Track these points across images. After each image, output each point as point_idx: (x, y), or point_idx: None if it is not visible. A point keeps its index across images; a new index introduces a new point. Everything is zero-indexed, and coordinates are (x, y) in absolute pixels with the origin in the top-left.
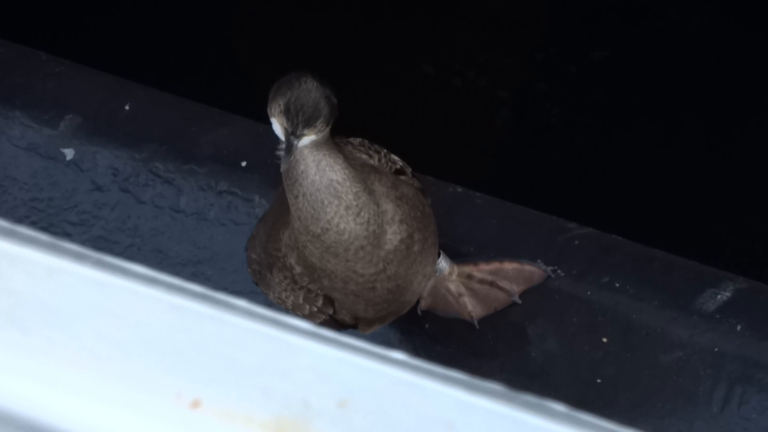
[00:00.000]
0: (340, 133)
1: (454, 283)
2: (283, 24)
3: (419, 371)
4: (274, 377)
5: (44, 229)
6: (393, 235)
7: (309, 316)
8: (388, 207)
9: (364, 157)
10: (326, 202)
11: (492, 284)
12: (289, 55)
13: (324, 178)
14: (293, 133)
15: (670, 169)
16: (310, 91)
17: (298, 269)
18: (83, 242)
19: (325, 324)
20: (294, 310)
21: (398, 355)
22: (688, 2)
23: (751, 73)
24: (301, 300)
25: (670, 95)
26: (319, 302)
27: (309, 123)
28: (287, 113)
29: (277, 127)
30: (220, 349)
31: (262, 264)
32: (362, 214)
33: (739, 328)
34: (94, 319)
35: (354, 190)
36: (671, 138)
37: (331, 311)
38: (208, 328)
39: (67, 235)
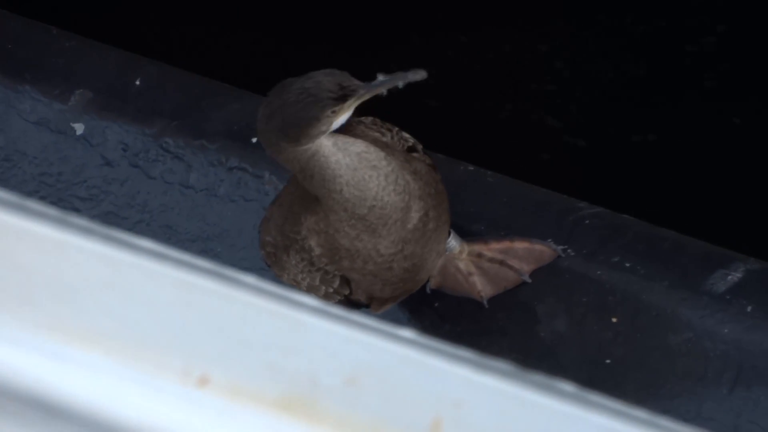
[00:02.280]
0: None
1: (464, 261)
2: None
3: (428, 349)
4: (282, 354)
5: (53, 203)
6: (415, 213)
7: (324, 297)
8: (409, 179)
9: (377, 135)
10: (367, 177)
11: (502, 263)
12: (301, 30)
13: (352, 155)
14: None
15: (682, 148)
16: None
17: (317, 251)
18: (92, 217)
19: (339, 304)
20: (309, 292)
21: (407, 333)
22: None
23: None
24: (317, 282)
25: (678, 66)
26: (336, 283)
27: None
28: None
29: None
30: (229, 326)
31: (278, 246)
32: (399, 181)
33: (749, 309)
34: (102, 294)
35: (382, 154)
36: (683, 116)
37: (347, 291)
38: (217, 304)
39: (76, 210)
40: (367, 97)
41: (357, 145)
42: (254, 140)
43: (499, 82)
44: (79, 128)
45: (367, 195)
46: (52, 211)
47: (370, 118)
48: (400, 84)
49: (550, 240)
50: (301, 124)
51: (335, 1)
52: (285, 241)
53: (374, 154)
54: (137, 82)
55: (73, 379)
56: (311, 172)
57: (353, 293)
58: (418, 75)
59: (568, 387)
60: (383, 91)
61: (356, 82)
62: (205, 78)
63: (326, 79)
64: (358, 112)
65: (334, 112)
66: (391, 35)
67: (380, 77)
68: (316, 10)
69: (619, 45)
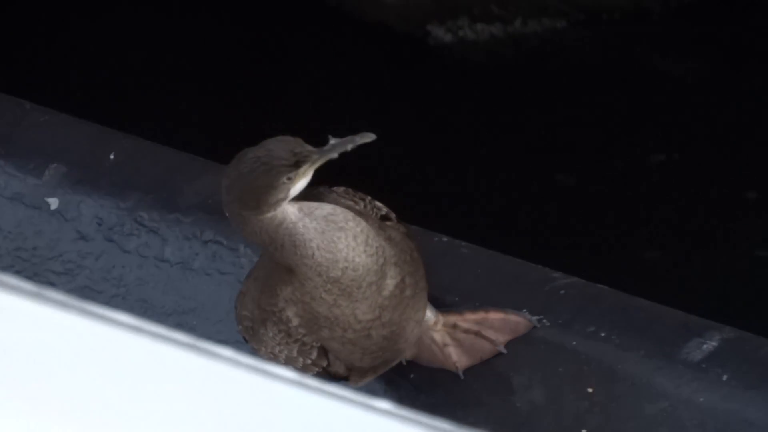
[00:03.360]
0: (324, 183)
1: (439, 333)
2: (267, 75)
3: (405, 420)
4: (260, 427)
5: (29, 278)
6: (390, 279)
7: (302, 369)
8: (383, 244)
9: (350, 203)
10: (335, 239)
11: (477, 334)
12: (274, 107)
13: (319, 219)
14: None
15: (655, 220)
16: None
17: (295, 321)
18: (68, 292)
19: (317, 376)
20: (287, 364)
21: (384, 404)
22: None
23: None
24: (294, 353)
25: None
26: (314, 354)
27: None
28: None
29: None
30: (206, 398)
31: (255, 319)
32: (370, 242)
33: (725, 378)
34: (78, 368)
35: (350, 215)
36: (656, 188)
37: (325, 363)
38: (194, 377)
39: (51, 285)
40: (320, 162)
41: (323, 208)
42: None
43: (473, 157)
44: (53, 203)
45: (338, 257)
46: (28, 285)
47: (342, 188)
48: (349, 147)
49: (525, 310)
50: (258, 193)
51: (307, 76)
52: (262, 314)
53: (341, 215)
54: (111, 156)
55: None
56: (281, 241)
57: (331, 365)
58: (367, 138)
59: None
60: (335, 155)
61: (309, 147)
62: (178, 151)
63: (278, 146)
64: (330, 182)
65: (289, 178)
66: (366, 108)
67: (331, 140)
68: (288, 82)
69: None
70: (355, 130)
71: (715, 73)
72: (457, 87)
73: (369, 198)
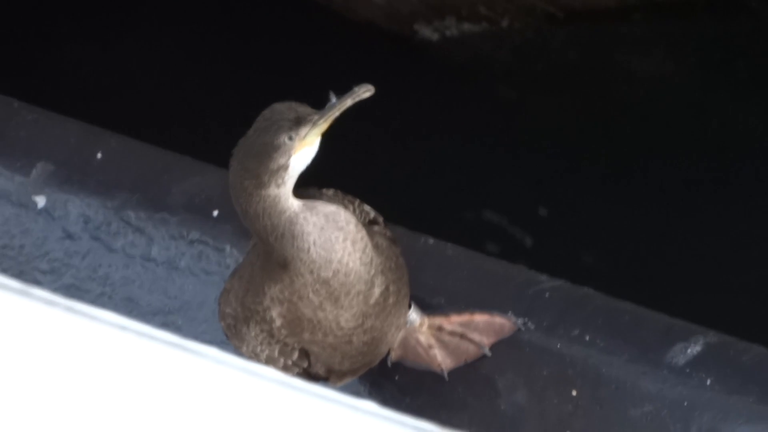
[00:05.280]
0: (314, 185)
1: (424, 334)
2: (256, 74)
3: (389, 421)
4: (244, 426)
5: (15, 276)
6: (377, 288)
7: (283, 369)
8: (373, 254)
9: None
10: (333, 238)
11: (462, 336)
12: (263, 106)
13: (320, 215)
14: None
15: (642, 222)
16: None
17: (278, 322)
18: (54, 290)
19: (297, 377)
20: (268, 364)
21: (368, 405)
22: None
23: None
24: (276, 354)
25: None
26: (295, 356)
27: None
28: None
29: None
30: (190, 397)
31: (238, 317)
32: (366, 251)
33: (708, 382)
34: (63, 366)
35: (353, 219)
36: (643, 192)
37: (305, 364)
38: (179, 375)
39: (38, 283)
40: (323, 123)
41: (327, 207)
42: (215, 213)
43: (457, 160)
44: (40, 201)
45: (332, 257)
46: (14, 283)
47: (332, 191)
48: (350, 102)
49: (510, 313)
50: (260, 155)
51: (296, 74)
52: (245, 313)
53: (343, 217)
54: (99, 155)
55: None
56: (282, 230)
57: (312, 366)
58: (366, 90)
59: None
60: (336, 113)
61: (312, 110)
62: (166, 151)
63: (283, 106)
64: (320, 183)
65: (290, 138)
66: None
67: (332, 98)
68: (277, 81)
69: None
70: (341, 128)
71: (696, 73)
72: (443, 86)
73: (358, 201)
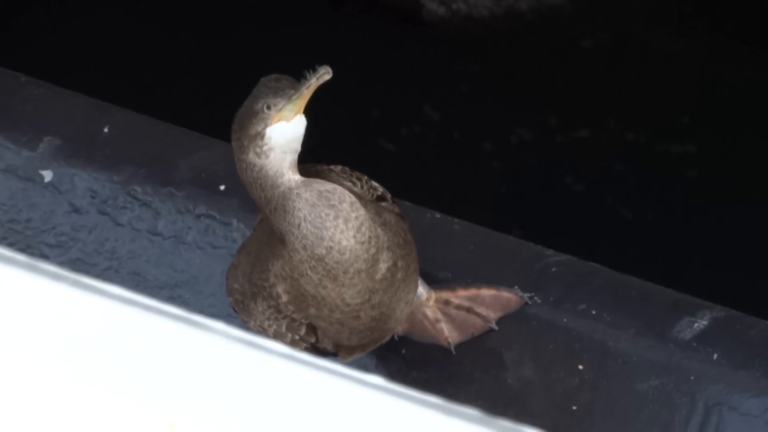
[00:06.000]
0: (322, 161)
1: (431, 308)
2: (263, 47)
3: (396, 395)
4: (251, 400)
5: (22, 250)
6: (383, 263)
7: (291, 344)
8: (379, 232)
9: (348, 184)
10: (323, 215)
11: (469, 310)
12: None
13: (314, 191)
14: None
15: (649, 198)
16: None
17: (284, 298)
18: (61, 264)
19: (305, 352)
20: (275, 339)
21: (375, 379)
22: None
23: None
24: (283, 329)
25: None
26: (302, 331)
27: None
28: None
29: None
30: (197, 371)
31: (245, 293)
32: (362, 230)
33: (715, 356)
34: (70, 339)
35: (347, 198)
36: (650, 170)
37: (313, 339)
38: (185, 349)
39: (44, 257)
40: (296, 99)
41: (323, 185)
42: (222, 188)
43: (467, 135)
44: (47, 175)
45: (324, 234)
46: (21, 257)
47: (339, 167)
48: (314, 82)
49: (516, 287)
50: (243, 118)
51: (301, 48)
52: (252, 289)
53: (337, 195)
54: (105, 130)
55: (38, 425)
56: (275, 203)
57: (319, 341)
58: (325, 72)
59: None
60: (305, 92)
61: (290, 84)
62: (172, 125)
63: (272, 78)
64: (327, 159)
65: (268, 107)
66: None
67: (308, 76)
68: (283, 56)
69: None
70: (346, 101)
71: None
72: (450, 60)
73: (365, 178)
